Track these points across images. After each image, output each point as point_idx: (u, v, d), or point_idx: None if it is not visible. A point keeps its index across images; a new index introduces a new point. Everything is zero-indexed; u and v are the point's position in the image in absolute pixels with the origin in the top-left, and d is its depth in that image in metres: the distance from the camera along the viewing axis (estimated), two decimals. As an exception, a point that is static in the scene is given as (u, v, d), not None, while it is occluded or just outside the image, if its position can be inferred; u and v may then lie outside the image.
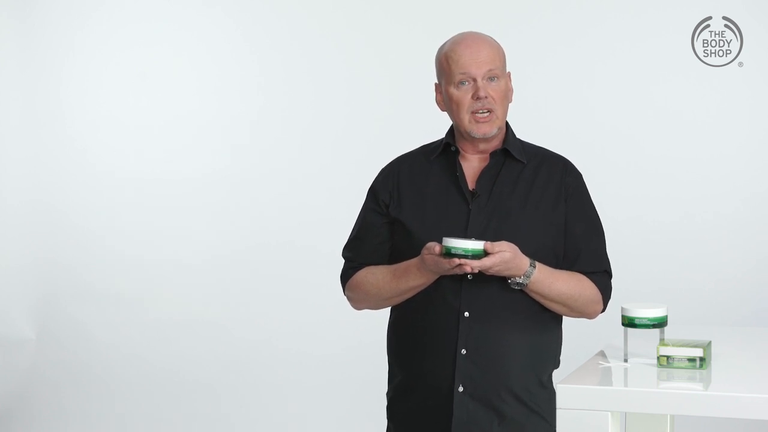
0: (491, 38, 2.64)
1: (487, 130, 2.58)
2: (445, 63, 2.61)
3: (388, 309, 2.72)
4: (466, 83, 2.57)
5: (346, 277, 2.72)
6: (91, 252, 5.06)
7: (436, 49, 2.68)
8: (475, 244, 2.40)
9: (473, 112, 2.57)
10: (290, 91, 4.85)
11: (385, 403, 2.75)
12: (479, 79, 2.56)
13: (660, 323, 2.34)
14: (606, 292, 2.64)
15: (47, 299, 5.15)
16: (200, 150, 4.95)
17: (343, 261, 2.76)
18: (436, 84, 2.67)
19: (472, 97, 2.57)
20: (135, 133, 5.01)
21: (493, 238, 2.48)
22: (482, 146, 2.63)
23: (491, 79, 2.58)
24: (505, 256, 2.42)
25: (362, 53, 4.75)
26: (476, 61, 2.57)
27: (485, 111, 2.57)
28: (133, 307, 5.02)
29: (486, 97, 2.56)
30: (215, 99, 4.93)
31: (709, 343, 2.34)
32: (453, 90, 2.59)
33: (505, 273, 2.47)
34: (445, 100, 2.63)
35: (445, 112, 2.67)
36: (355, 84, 4.76)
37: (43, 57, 5.10)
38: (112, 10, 5.00)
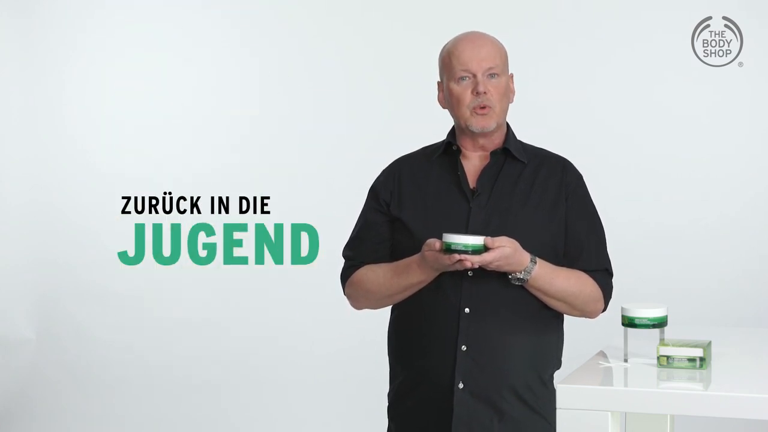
0: (494, 38, 2.65)
1: (485, 124, 2.59)
2: (448, 59, 2.62)
3: (389, 308, 2.72)
4: (467, 79, 2.59)
5: (346, 275, 2.72)
6: (91, 252, 5.06)
7: (436, 50, 2.70)
8: (476, 239, 2.40)
9: (473, 108, 2.58)
10: (290, 91, 4.86)
11: (386, 403, 2.75)
12: (479, 75, 2.58)
13: (660, 323, 2.33)
14: (607, 290, 2.64)
15: (47, 299, 5.15)
16: (200, 151, 4.95)
17: (343, 260, 2.76)
18: (438, 82, 2.69)
19: (472, 92, 2.58)
20: (134, 133, 5.01)
21: (494, 235, 2.48)
22: (482, 141, 2.64)
23: (491, 76, 2.59)
24: (505, 251, 2.43)
25: (362, 54, 4.76)
26: (477, 57, 2.58)
27: (484, 107, 2.58)
28: (133, 307, 5.02)
29: (485, 93, 2.57)
30: (215, 99, 4.94)
31: (709, 343, 2.34)
32: (453, 85, 2.60)
33: (506, 268, 2.48)
34: (446, 96, 2.64)
35: (446, 110, 2.68)
36: (355, 84, 4.77)
37: (44, 57, 5.10)
38: (113, 10, 5.00)
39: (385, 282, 2.61)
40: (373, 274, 2.64)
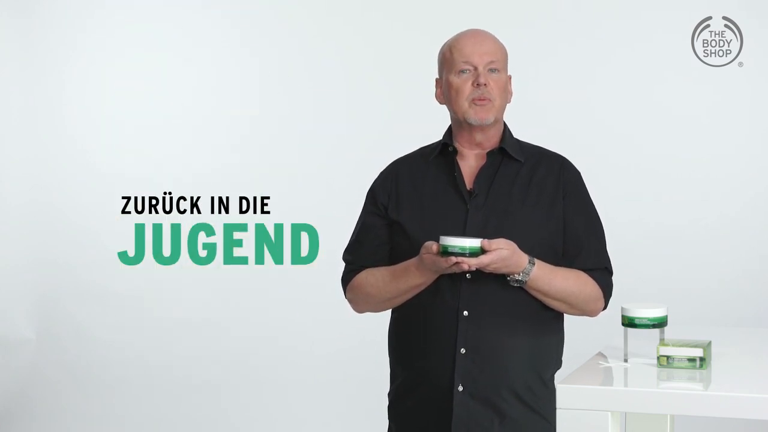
0: (496, 36, 2.66)
1: (484, 116, 2.58)
2: (448, 53, 2.62)
3: (389, 309, 2.72)
4: (467, 72, 2.59)
5: (346, 280, 2.72)
6: (91, 252, 5.06)
7: (436, 49, 2.69)
8: (473, 242, 2.40)
9: (472, 100, 2.58)
10: (290, 91, 4.86)
11: (386, 403, 2.75)
12: (480, 68, 2.58)
13: (660, 323, 2.33)
14: (607, 289, 2.63)
15: (47, 299, 5.15)
16: (200, 151, 4.95)
17: (343, 264, 2.76)
18: (436, 79, 2.68)
19: (473, 84, 2.58)
20: (134, 133, 5.01)
21: (492, 236, 2.48)
22: (479, 138, 2.63)
23: (492, 70, 2.59)
24: (502, 254, 2.42)
25: (362, 54, 4.76)
26: (479, 51, 2.58)
27: (483, 98, 2.58)
28: (133, 307, 5.02)
29: (485, 85, 2.57)
30: (215, 99, 4.94)
31: (709, 343, 2.34)
32: (453, 78, 2.60)
33: (504, 270, 2.47)
34: (445, 90, 2.64)
35: (444, 107, 2.67)
36: (355, 85, 4.77)
37: (44, 57, 5.10)
38: (112, 10, 5.01)
39: (384, 285, 2.61)
40: (373, 278, 2.64)
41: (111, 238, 5.01)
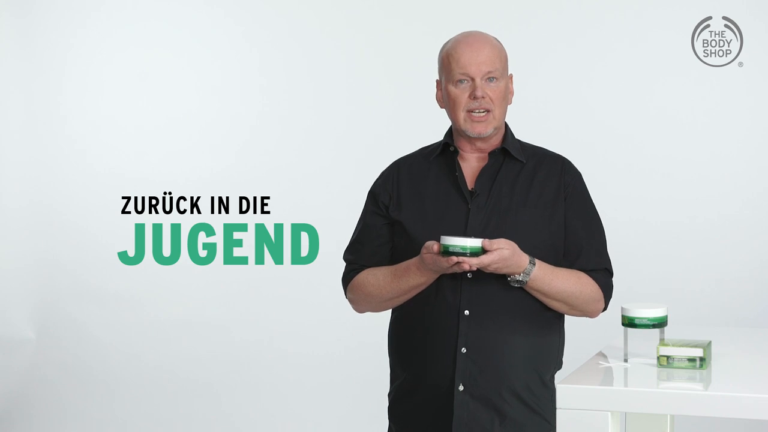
0: (494, 39, 2.64)
1: (482, 130, 2.59)
2: (446, 61, 2.61)
3: (390, 309, 2.72)
4: (465, 82, 2.58)
5: (347, 279, 2.72)
6: (91, 252, 5.06)
7: (437, 49, 2.69)
8: (474, 242, 2.40)
9: (469, 111, 2.58)
10: (291, 91, 4.86)
11: (386, 404, 2.75)
12: (478, 79, 2.57)
13: (660, 323, 2.34)
14: (607, 290, 2.64)
15: (47, 299, 5.15)
16: (200, 151, 4.95)
17: (344, 264, 2.76)
18: (437, 80, 2.68)
19: (470, 96, 2.57)
20: (134, 133, 5.01)
21: (493, 236, 2.48)
22: (479, 144, 2.63)
23: (490, 80, 2.58)
24: (503, 254, 2.42)
25: (363, 53, 4.76)
26: (476, 61, 2.57)
27: (482, 111, 2.57)
28: (133, 307, 5.02)
29: (483, 97, 2.57)
30: (215, 99, 4.94)
31: (709, 343, 2.34)
32: (451, 88, 2.59)
33: (505, 270, 2.47)
34: (444, 97, 2.64)
35: (444, 110, 2.67)
36: (356, 85, 4.77)
37: (42, 57, 5.09)
38: (111, 9, 5.00)
39: (385, 285, 2.61)
40: (374, 277, 2.64)
41: (111, 238, 5.01)
